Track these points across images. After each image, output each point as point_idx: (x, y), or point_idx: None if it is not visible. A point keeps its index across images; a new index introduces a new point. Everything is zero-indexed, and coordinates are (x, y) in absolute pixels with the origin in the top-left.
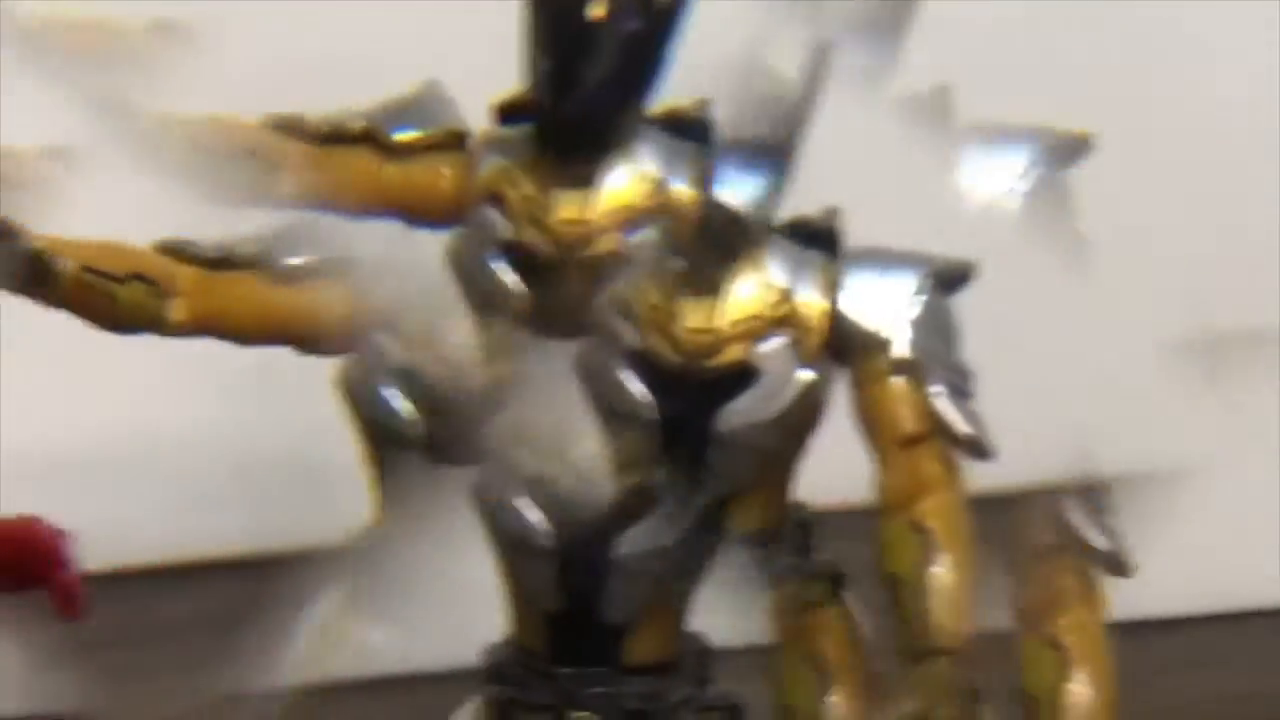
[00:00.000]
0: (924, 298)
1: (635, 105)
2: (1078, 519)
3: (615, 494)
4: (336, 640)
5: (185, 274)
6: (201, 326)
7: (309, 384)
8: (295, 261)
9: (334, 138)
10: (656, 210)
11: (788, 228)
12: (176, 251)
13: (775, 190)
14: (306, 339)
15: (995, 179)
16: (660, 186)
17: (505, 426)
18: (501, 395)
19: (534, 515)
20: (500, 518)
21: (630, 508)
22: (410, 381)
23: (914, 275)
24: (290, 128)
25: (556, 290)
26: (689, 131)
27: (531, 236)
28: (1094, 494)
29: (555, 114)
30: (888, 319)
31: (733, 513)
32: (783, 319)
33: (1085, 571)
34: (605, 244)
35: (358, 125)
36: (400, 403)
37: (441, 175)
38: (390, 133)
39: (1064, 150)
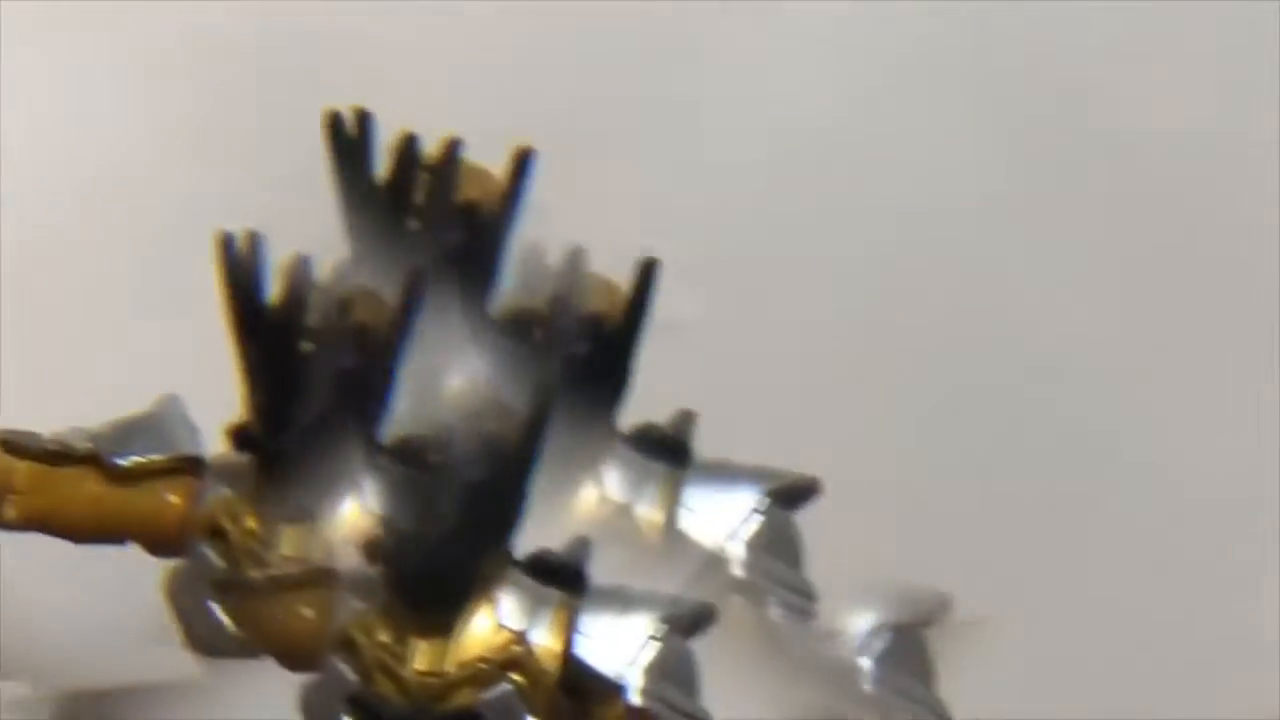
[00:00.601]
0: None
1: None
2: None
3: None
4: None
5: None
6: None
7: None
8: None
9: (60, 458)
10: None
11: (528, 563)
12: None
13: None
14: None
15: (719, 520)
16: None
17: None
18: None
19: None
20: None
21: None
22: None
23: (654, 617)
24: (16, 446)
25: None
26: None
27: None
28: None
29: (266, 449)
30: (622, 663)
31: None
32: (512, 663)
33: None
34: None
35: (84, 446)
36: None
37: (168, 504)
38: (115, 457)
39: (790, 493)
